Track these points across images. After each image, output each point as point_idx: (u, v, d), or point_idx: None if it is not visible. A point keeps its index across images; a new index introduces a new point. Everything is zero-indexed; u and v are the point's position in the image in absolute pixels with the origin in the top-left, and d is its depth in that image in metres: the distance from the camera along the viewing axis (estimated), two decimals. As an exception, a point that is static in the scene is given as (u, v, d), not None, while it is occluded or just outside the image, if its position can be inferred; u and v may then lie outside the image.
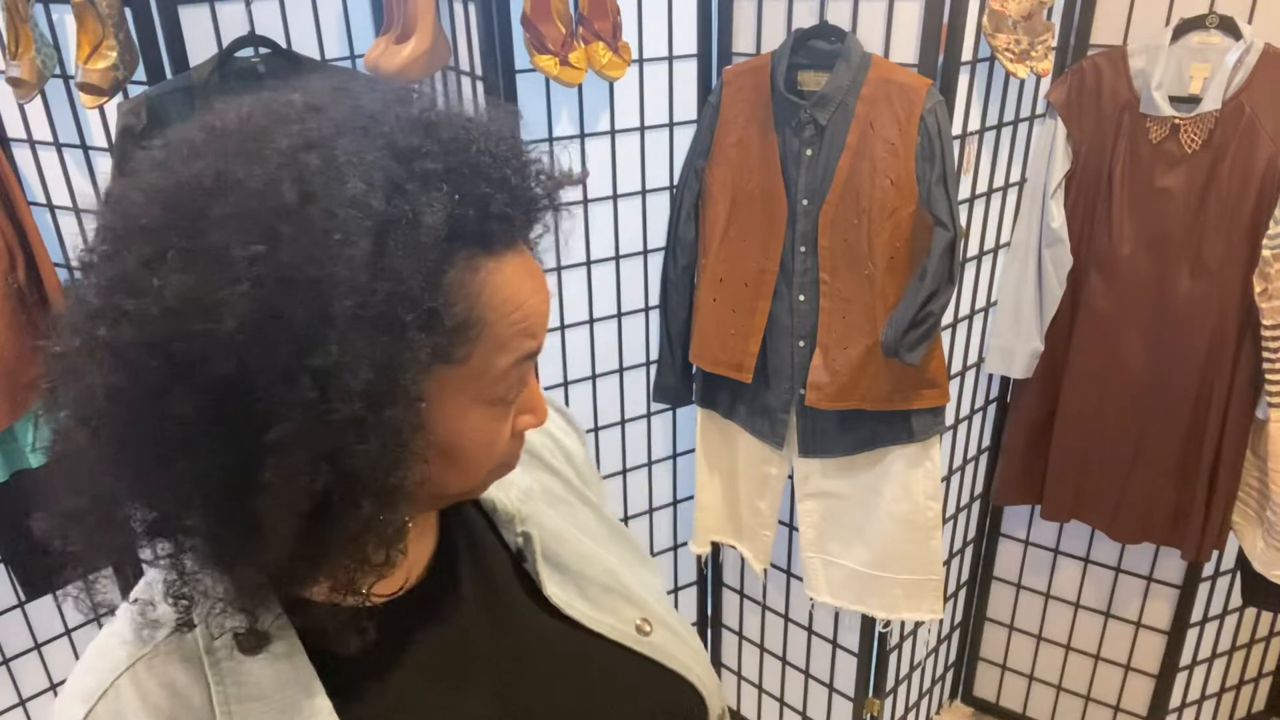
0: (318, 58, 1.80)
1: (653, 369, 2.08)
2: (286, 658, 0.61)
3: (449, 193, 0.53)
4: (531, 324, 0.59)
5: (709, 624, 2.47)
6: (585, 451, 0.92)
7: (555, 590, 0.74)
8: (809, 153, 1.71)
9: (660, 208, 1.97)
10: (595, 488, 0.89)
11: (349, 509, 0.53)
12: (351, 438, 0.51)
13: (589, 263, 1.92)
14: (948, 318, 1.93)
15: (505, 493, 0.76)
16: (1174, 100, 1.76)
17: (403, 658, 0.67)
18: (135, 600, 0.62)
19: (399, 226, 0.50)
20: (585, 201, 1.88)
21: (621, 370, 2.07)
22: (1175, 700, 2.27)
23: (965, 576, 2.38)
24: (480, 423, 0.60)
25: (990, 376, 2.16)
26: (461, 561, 0.73)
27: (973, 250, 1.98)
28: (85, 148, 1.79)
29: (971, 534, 2.33)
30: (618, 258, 1.97)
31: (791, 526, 2.14)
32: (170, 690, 0.60)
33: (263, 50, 1.66)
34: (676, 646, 0.78)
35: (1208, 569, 2.10)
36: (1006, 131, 1.92)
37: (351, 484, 0.52)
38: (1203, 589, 2.13)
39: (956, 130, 1.75)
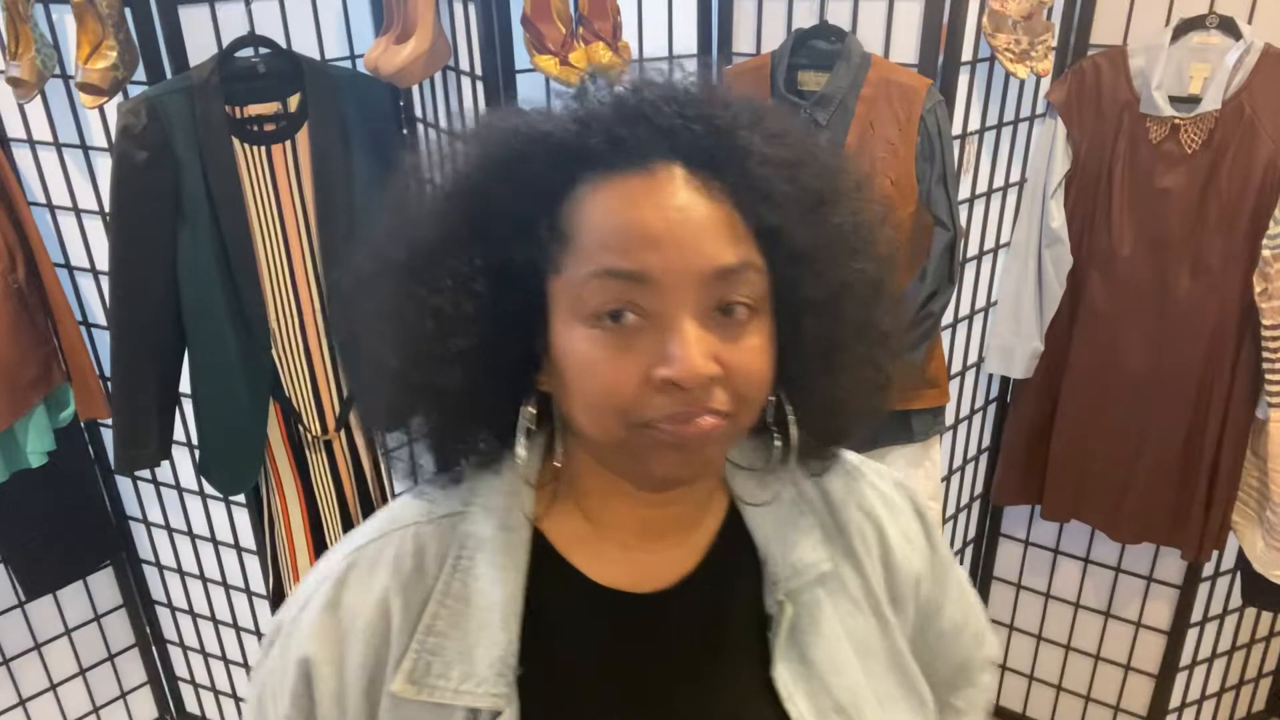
0: (318, 58, 1.80)
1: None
2: (512, 586, 0.65)
3: (580, 119, 0.59)
4: (616, 240, 0.57)
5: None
6: (926, 574, 0.77)
7: (785, 676, 0.68)
8: (809, 153, 1.71)
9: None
10: (904, 614, 0.76)
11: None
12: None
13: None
14: (948, 318, 1.93)
15: (783, 551, 0.70)
16: (1174, 100, 1.75)
17: (594, 652, 0.68)
18: (428, 486, 0.71)
19: (538, 143, 0.60)
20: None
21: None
22: (1175, 700, 2.27)
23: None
24: (580, 344, 0.58)
25: (990, 376, 2.16)
26: (705, 599, 0.69)
27: (973, 250, 1.98)
28: (85, 148, 1.79)
29: (971, 534, 2.33)
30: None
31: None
32: (418, 560, 0.67)
33: (263, 50, 1.66)
34: None
35: (1208, 569, 2.10)
36: (1006, 131, 1.92)
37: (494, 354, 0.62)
38: (1203, 589, 2.13)
39: (956, 130, 1.75)
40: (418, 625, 0.65)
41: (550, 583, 0.67)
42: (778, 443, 0.67)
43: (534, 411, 0.65)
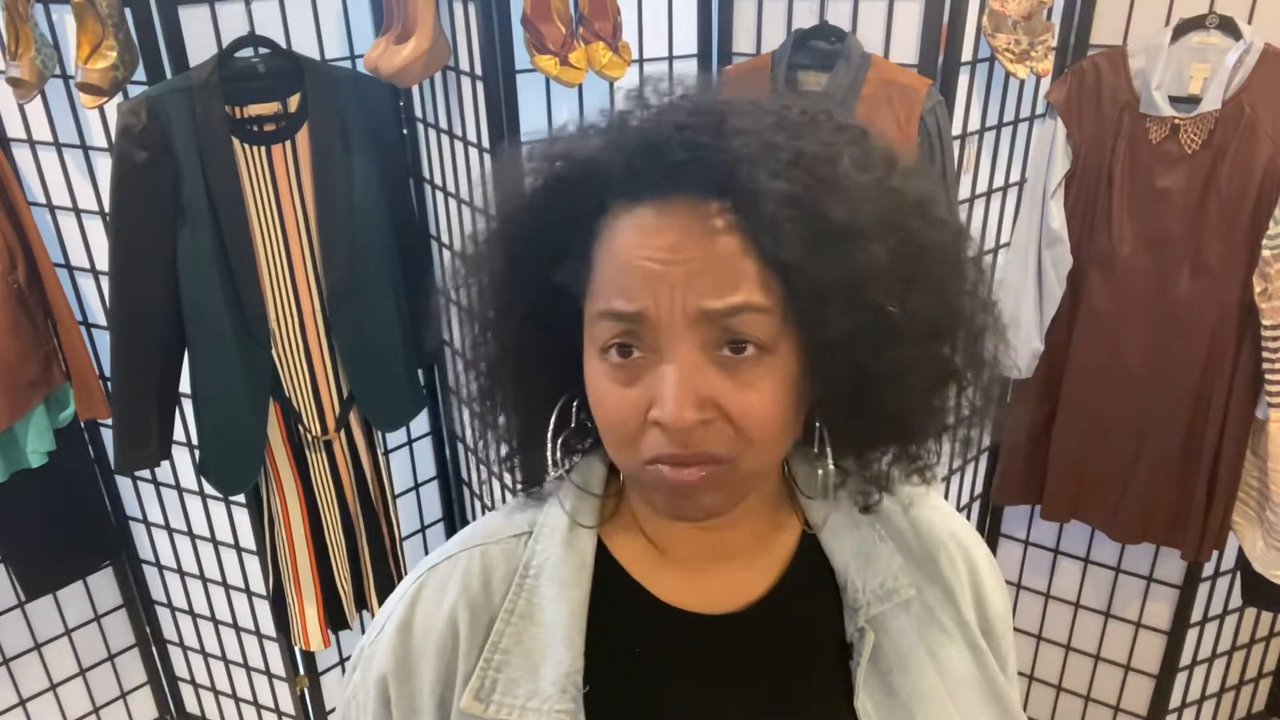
0: (317, 58, 1.80)
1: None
2: (575, 603, 0.66)
3: (610, 142, 0.58)
4: (624, 281, 0.56)
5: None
6: (1005, 615, 0.76)
7: (868, 707, 0.66)
8: (809, 153, 1.70)
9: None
10: (997, 649, 0.73)
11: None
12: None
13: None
14: (948, 318, 1.93)
15: (864, 577, 0.68)
16: (1174, 100, 1.76)
17: (666, 673, 0.66)
18: (517, 500, 0.72)
19: (576, 166, 0.59)
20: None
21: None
22: (1175, 700, 2.27)
23: (965, 576, 2.38)
24: (594, 372, 0.59)
25: (990, 376, 2.16)
26: (781, 623, 0.68)
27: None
28: (85, 148, 1.79)
29: (971, 534, 2.33)
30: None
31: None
32: (485, 579, 0.68)
33: (263, 50, 1.66)
34: None
35: (1208, 569, 2.10)
36: (1006, 131, 1.92)
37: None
38: (1203, 589, 2.13)
39: (956, 130, 1.75)
40: (485, 643, 0.65)
41: (617, 601, 0.67)
42: (819, 471, 0.65)
43: (559, 426, 0.66)
